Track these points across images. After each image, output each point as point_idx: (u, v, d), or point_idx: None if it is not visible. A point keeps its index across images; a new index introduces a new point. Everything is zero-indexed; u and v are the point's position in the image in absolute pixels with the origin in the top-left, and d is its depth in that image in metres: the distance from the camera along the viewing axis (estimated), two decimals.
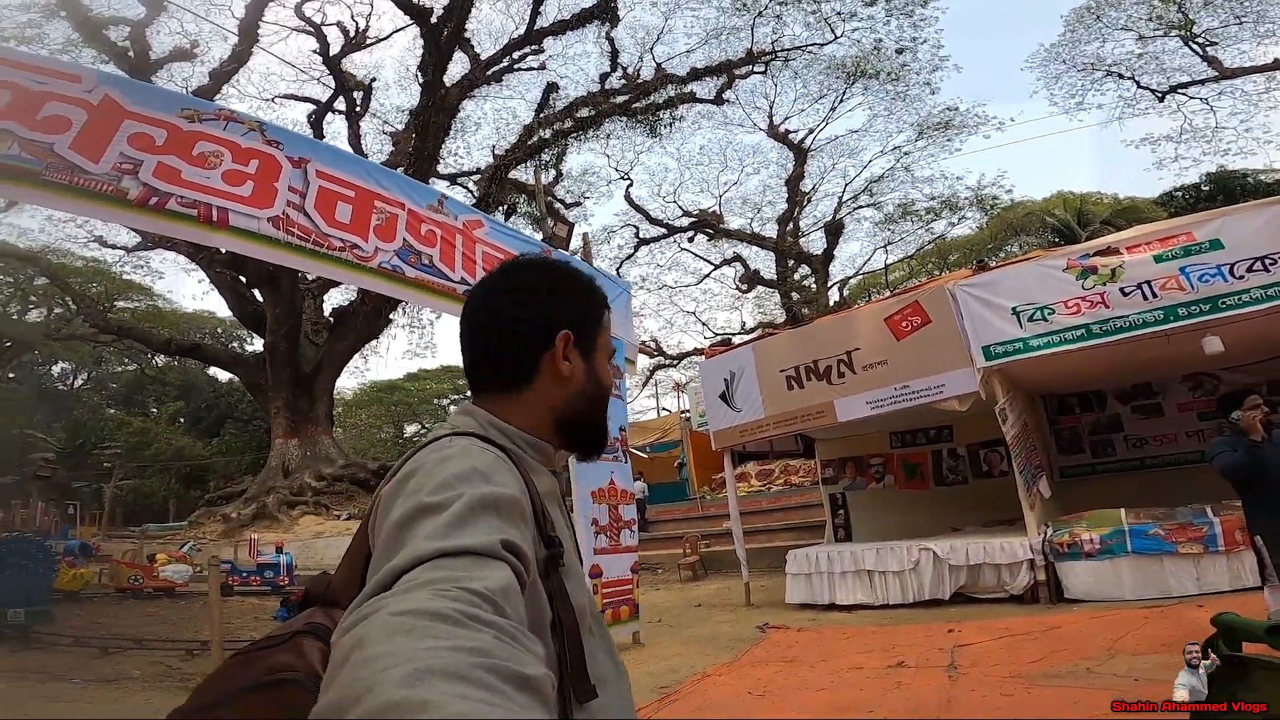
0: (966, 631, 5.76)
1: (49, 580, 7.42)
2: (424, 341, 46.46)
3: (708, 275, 31.32)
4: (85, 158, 4.35)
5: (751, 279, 30.12)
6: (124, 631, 7.70)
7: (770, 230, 29.05)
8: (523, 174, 24.19)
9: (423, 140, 21.34)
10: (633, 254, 30.16)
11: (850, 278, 31.54)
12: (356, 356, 26.01)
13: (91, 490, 24.24)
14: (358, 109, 24.96)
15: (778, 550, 10.85)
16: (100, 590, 10.91)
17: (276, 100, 25.68)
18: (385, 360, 74.81)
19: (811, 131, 26.89)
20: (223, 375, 37.89)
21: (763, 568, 11.74)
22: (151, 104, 4.92)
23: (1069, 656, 4.61)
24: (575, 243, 13.03)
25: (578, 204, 29.01)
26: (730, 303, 37.41)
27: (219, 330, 35.17)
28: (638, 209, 28.97)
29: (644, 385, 33.75)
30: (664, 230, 29.53)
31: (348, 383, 50.80)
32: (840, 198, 28.25)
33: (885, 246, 30.10)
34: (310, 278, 26.26)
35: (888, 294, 16.22)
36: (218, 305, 28.32)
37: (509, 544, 0.62)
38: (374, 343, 25.67)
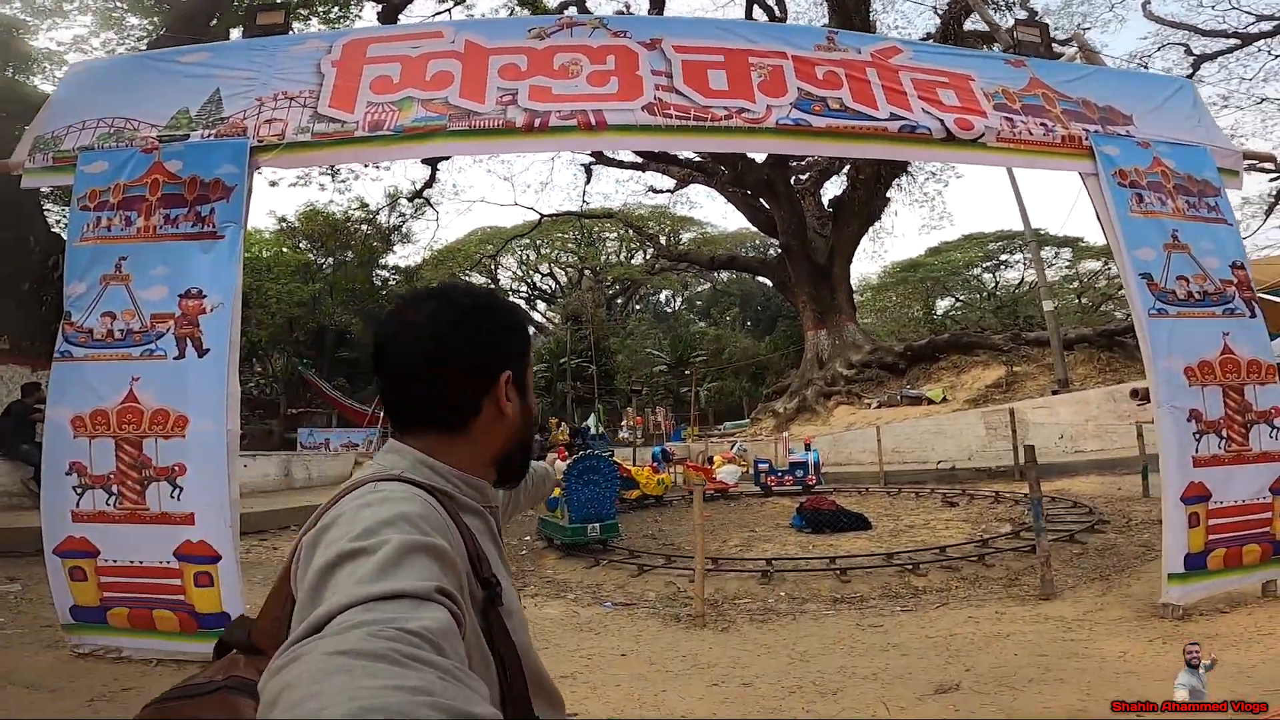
0: None
1: (614, 494, 7.72)
2: (936, 213, 41.90)
3: None
4: (474, 101, 4.53)
5: None
6: (675, 539, 8.38)
7: None
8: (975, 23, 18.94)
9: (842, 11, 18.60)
10: (1192, 74, 22.42)
11: None
12: (867, 240, 25.07)
13: (690, 394, 29.68)
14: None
15: None
16: (677, 493, 12.50)
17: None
18: (900, 238, 71.25)
19: None
20: (770, 281, 42.42)
21: None
22: (503, 35, 4.86)
23: None
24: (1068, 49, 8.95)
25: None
26: None
27: (756, 242, 38.46)
28: (1174, 25, 21.82)
29: (1267, 215, 23.62)
30: (1235, 41, 21.16)
31: (869, 268, 50.38)
32: None
33: None
34: (801, 163, 26.33)
35: None
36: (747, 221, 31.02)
37: (443, 589, 0.58)
38: (878, 224, 24.23)
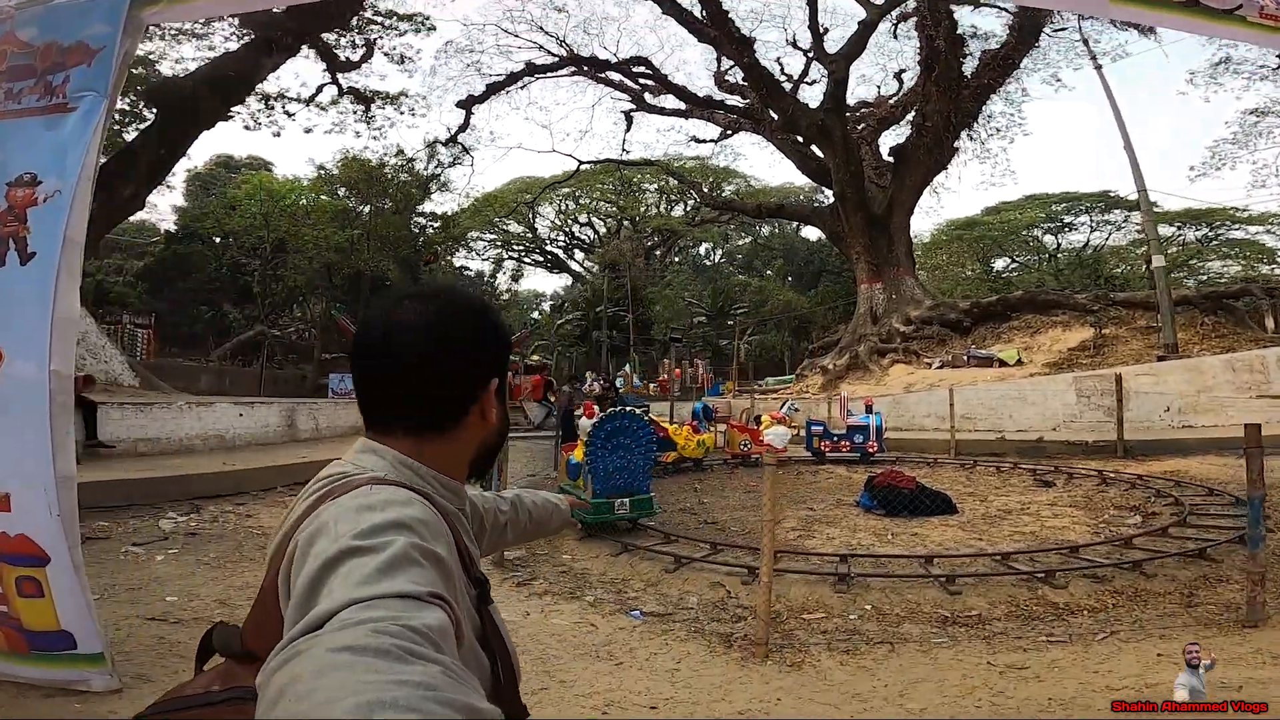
0: None
1: (649, 462, 6.06)
2: (998, 171, 38.56)
3: None
4: None
5: None
6: (718, 515, 6.81)
7: None
8: None
9: None
10: None
11: None
12: (927, 194, 22.82)
13: (730, 347, 28.01)
14: None
15: None
16: (717, 457, 10.91)
17: None
18: (958, 195, 67.05)
19: None
20: (813, 235, 40.63)
21: None
22: None
23: None
24: None
25: None
26: None
27: (802, 197, 36.55)
28: None
29: None
30: None
31: (922, 225, 47.68)
32: None
33: None
34: (859, 112, 23.99)
35: None
36: (793, 174, 28.84)
37: (441, 596, 0.56)
38: (943, 175, 21.85)
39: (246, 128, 22.24)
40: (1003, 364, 14.74)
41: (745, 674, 3.31)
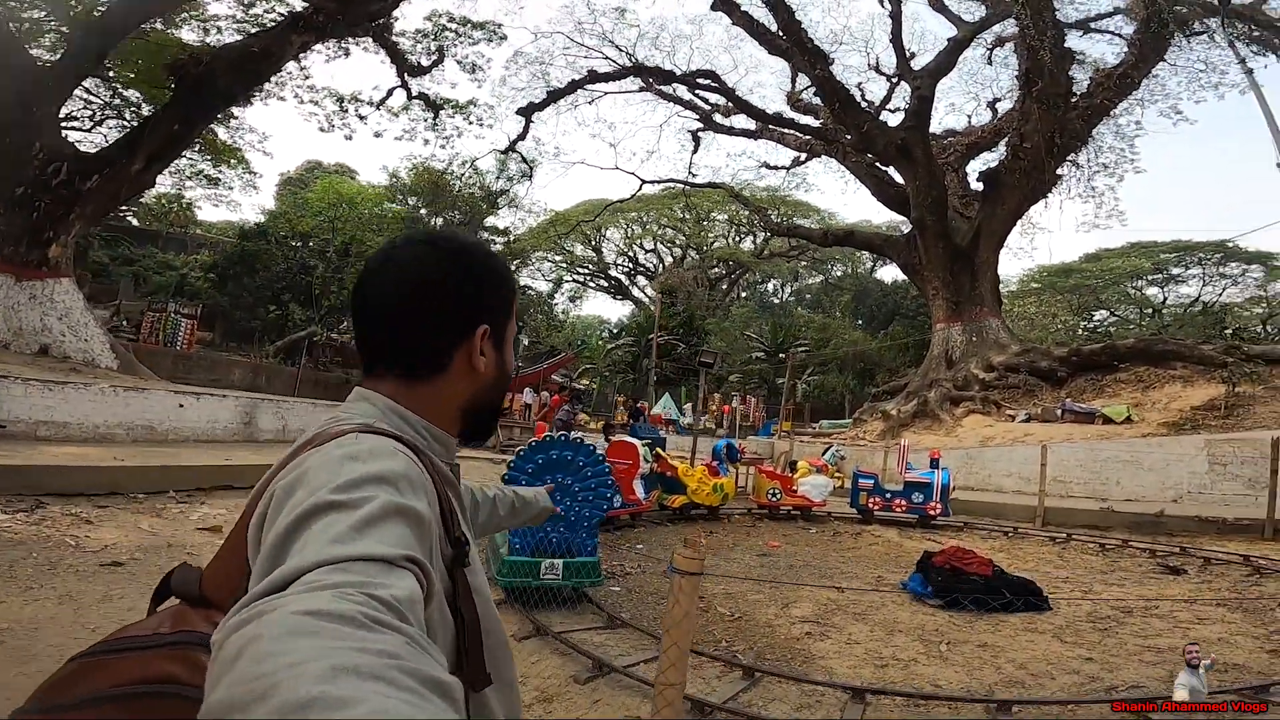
0: None
1: (597, 511, 4.52)
2: (1103, 211, 34.29)
3: None
4: None
5: None
6: (711, 590, 4.86)
7: None
8: None
9: None
10: None
11: None
12: (1018, 233, 20.28)
13: (789, 386, 25.88)
14: None
15: None
16: (739, 506, 9.04)
17: None
18: (1056, 234, 62.02)
19: None
20: (888, 277, 38.09)
21: None
22: None
23: None
24: None
25: None
26: None
27: (882, 229, 34.48)
28: None
29: None
30: None
31: (1010, 269, 44.06)
32: None
33: None
34: (945, 141, 21.92)
35: None
36: (869, 212, 26.79)
37: (414, 559, 0.54)
38: (1041, 206, 19.28)
39: (321, 129, 22.37)
40: (1108, 421, 12.16)
41: None
